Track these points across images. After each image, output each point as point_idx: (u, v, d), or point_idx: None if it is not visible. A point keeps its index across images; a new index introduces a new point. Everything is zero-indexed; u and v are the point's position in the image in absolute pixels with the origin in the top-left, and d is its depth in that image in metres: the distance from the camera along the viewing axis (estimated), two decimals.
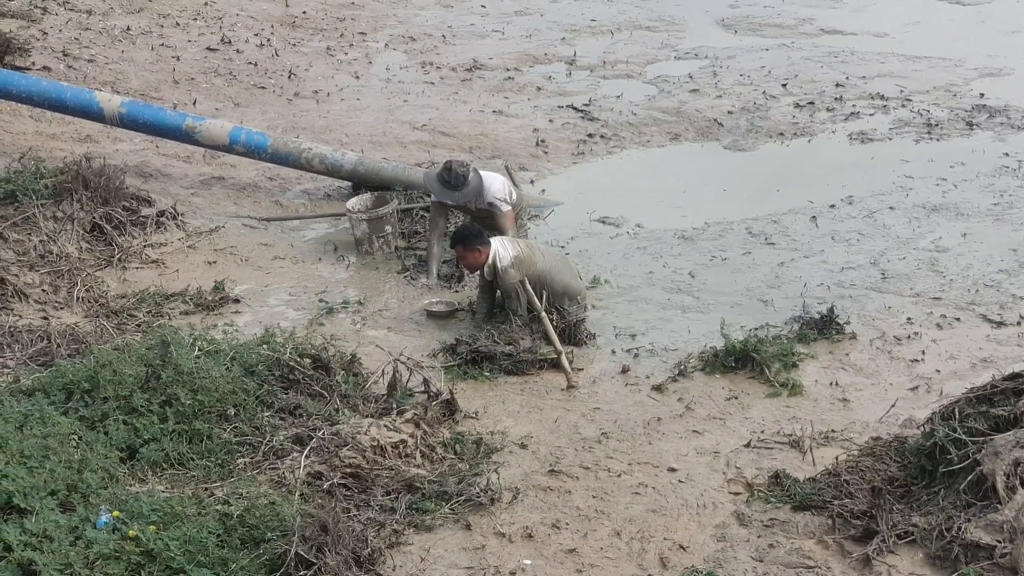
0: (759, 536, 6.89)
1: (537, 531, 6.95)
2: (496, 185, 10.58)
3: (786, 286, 10.41)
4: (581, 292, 9.96)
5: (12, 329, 9.08)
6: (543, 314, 9.31)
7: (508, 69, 16.86)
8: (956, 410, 7.12)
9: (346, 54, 17.50)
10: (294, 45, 17.70)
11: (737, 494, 7.36)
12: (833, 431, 8.02)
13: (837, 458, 7.49)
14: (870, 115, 14.87)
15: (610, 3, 20.49)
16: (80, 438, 7.18)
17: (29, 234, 10.53)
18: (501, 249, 9.63)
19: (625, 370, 9.08)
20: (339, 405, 7.94)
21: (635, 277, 10.70)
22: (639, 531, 6.98)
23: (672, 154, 14.00)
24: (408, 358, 8.69)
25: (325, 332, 9.26)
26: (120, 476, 7.03)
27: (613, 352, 9.43)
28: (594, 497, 7.33)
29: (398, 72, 16.75)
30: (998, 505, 6.52)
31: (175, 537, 6.25)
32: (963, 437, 6.88)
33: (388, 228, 11.22)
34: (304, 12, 19.30)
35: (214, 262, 10.97)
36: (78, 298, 9.88)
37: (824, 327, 9.42)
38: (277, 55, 17.07)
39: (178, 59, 16.39)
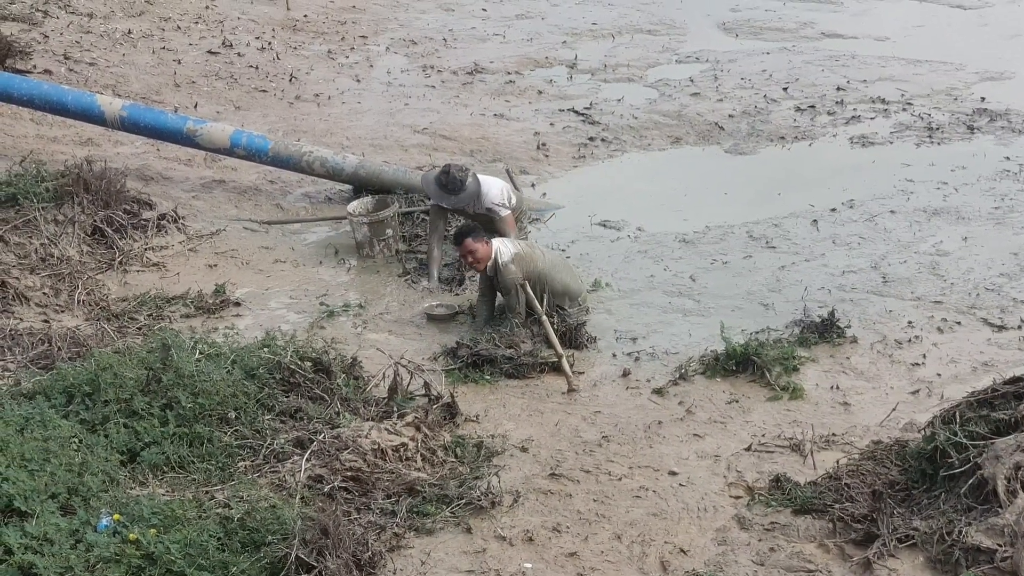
0: (760, 540, 6.89)
1: (538, 534, 6.95)
2: (494, 191, 10.57)
3: (787, 290, 10.41)
4: (582, 294, 9.96)
5: (13, 332, 9.10)
6: (544, 317, 9.31)
7: (509, 73, 16.87)
8: (957, 414, 7.12)
9: (347, 57, 17.52)
10: (295, 48, 17.71)
11: (738, 498, 7.35)
12: (834, 435, 8.01)
13: (838, 462, 7.48)
14: (871, 119, 14.86)
15: (611, 7, 20.50)
16: (81, 441, 7.18)
17: (30, 237, 10.54)
18: (502, 247, 9.67)
19: (626, 373, 9.08)
20: (340, 408, 7.95)
21: (636, 280, 10.70)
22: (640, 535, 6.97)
23: (673, 158, 14.00)
24: (409, 361, 8.70)
25: (326, 335, 9.26)
26: (121, 479, 7.03)
27: (614, 355, 9.43)
28: (595, 500, 7.32)
29: (399, 75, 16.76)
30: (999, 509, 6.51)
31: (176, 540, 6.25)
32: (964, 441, 6.88)
33: (389, 231, 11.23)
34: (305, 15, 19.32)
35: (215, 265, 10.97)
36: (79, 301, 9.89)
37: (825, 331, 9.41)
38: (278, 58, 17.08)
39: (179, 62, 16.40)
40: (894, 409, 8.28)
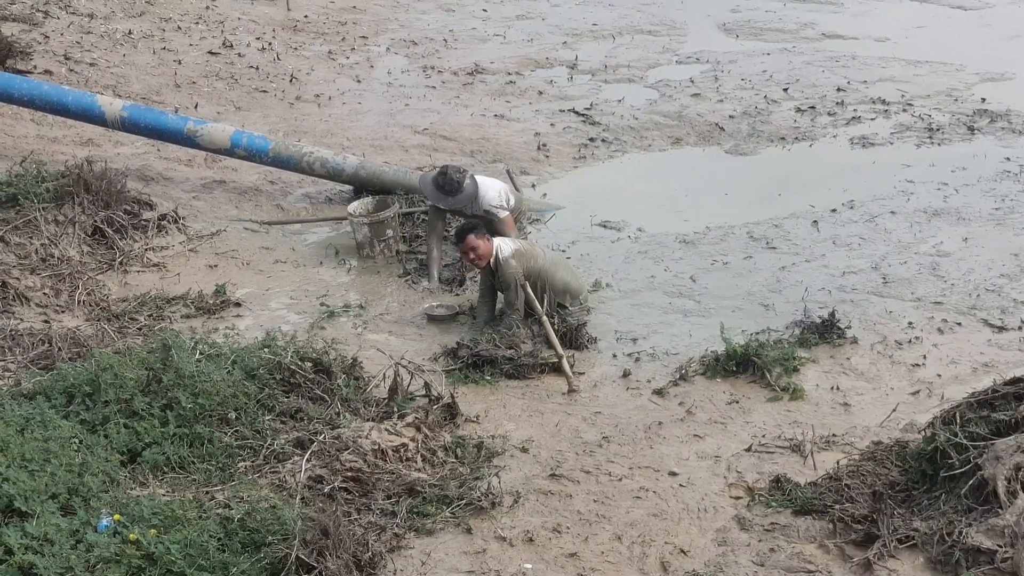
0: (760, 540, 6.89)
1: (538, 535, 6.95)
2: (491, 193, 10.56)
3: (787, 290, 10.41)
4: (582, 292, 9.98)
5: (13, 332, 9.10)
6: (544, 318, 9.31)
7: (509, 73, 16.87)
8: (957, 414, 7.12)
9: (348, 58, 17.52)
10: (296, 49, 17.71)
11: (738, 498, 7.35)
12: (834, 435, 8.01)
13: (838, 462, 7.48)
14: (871, 119, 14.86)
15: (612, 7, 20.50)
16: (81, 442, 7.18)
17: (30, 237, 10.54)
18: (503, 244, 9.73)
19: (626, 374, 9.09)
20: (340, 409, 7.95)
21: (636, 281, 10.70)
22: (640, 535, 6.97)
23: (673, 158, 14.00)
24: (409, 362, 8.70)
25: (326, 336, 9.26)
26: (121, 480, 7.03)
27: (614, 356, 9.43)
28: (595, 501, 7.32)
29: (399, 76, 16.77)
30: (999, 510, 6.51)
31: (176, 541, 6.25)
32: (964, 442, 6.88)
33: (389, 232, 11.23)
34: (306, 16, 19.32)
35: (215, 266, 10.98)
36: (79, 302, 9.90)
37: (825, 331, 9.41)
38: (279, 59, 17.08)
39: (180, 63, 16.40)
40: (894, 410, 8.28)
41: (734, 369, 8.95)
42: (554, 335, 9.21)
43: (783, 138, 14.33)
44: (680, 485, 7.51)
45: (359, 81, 16.50)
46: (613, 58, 17.64)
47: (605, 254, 11.27)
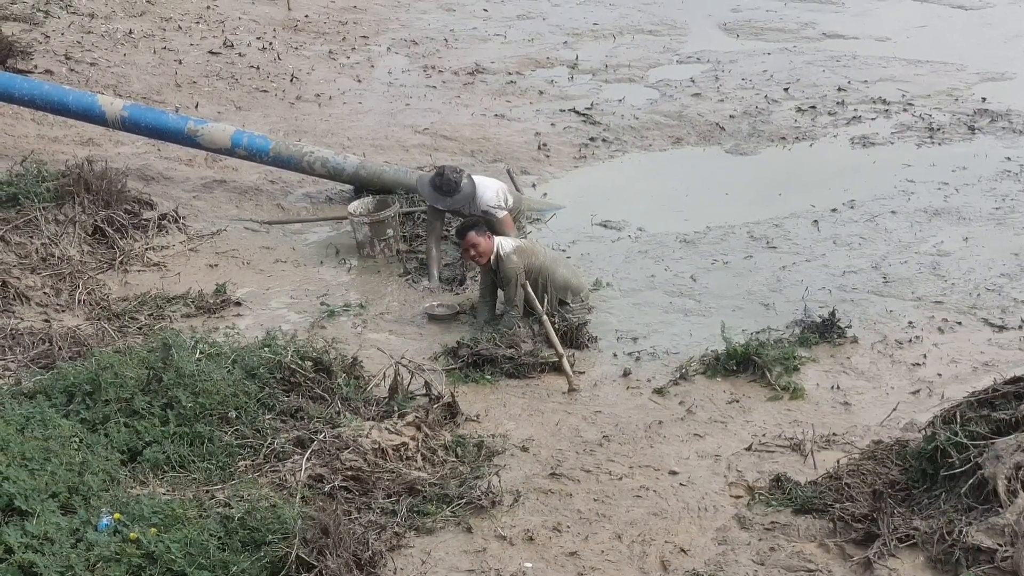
0: (760, 539, 6.89)
1: (538, 534, 6.95)
2: (489, 193, 10.55)
3: (787, 290, 10.41)
4: (583, 289, 9.99)
5: (14, 332, 9.11)
6: (544, 317, 9.32)
7: (510, 73, 16.87)
8: (957, 414, 7.12)
9: (348, 58, 17.52)
10: (296, 49, 17.71)
11: (738, 497, 7.35)
12: (834, 434, 8.01)
13: (838, 461, 7.48)
14: (872, 119, 14.86)
15: (612, 7, 20.50)
16: (81, 440, 7.18)
17: (31, 237, 10.54)
18: (504, 240, 9.78)
19: (626, 373, 9.09)
20: (340, 408, 7.96)
21: (637, 280, 10.70)
22: (640, 534, 6.97)
23: (674, 158, 14.00)
24: (409, 361, 8.71)
25: (326, 335, 9.26)
26: (121, 479, 7.03)
27: (615, 355, 9.43)
28: (595, 500, 7.32)
29: (400, 76, 16.77)
30: (999, 509, 6.51)
31: (176, 539, 6.25)
32: (964, 441, 6.88)
33: (390, 231, 11.23)
34: (306, 16, 19.32)
35: (216, 265, 10.98)
36: (80, 301, 9.90)
37: (825, 331, 9.41)
38: (279, 59, 17.08)
39: (180, 62, 16.40)
40: (895, 409, 8.28)
41: (734, 368, 8.95)
42: (554, 334, 9.21)
43: (784, 138, 14.33)
44: (680, 484, 7.51)
45: (360, 81, 16.50)
46: (614, 58, 17.64)
47: (605, 254, 11.27)
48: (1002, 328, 9.59)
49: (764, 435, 8.08)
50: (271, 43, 17.70)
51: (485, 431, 8.11)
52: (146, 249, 11.01)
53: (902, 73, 16.63)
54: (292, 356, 8.24)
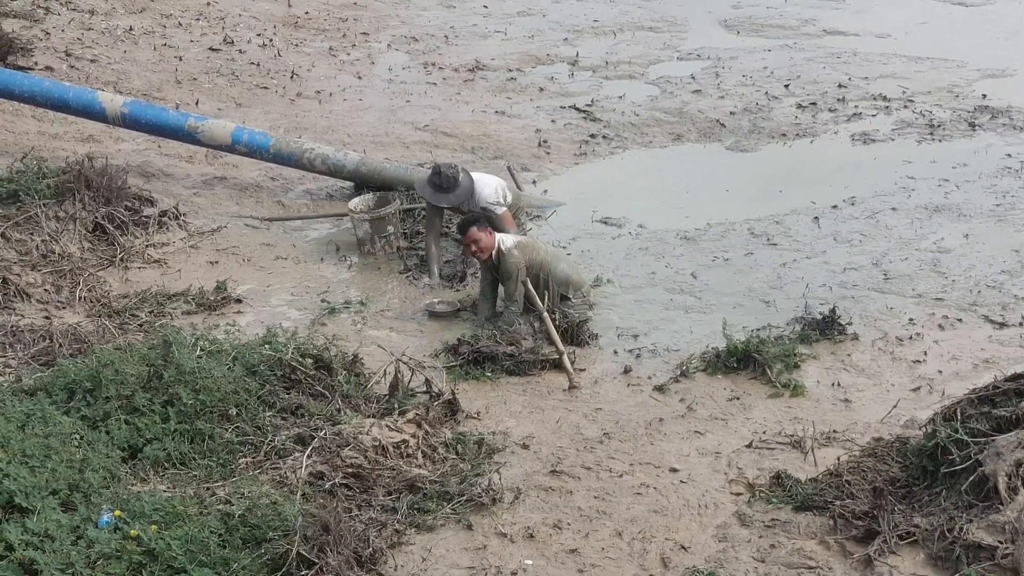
0: (760, 536, 6.89)
1: (539, 531, 6.95)
2: (487, 189, 10.55)
3: (788, 287, 10.41)
4: (584, 285, 9.99)
5: (14, 329, 9.10)
6: (545, 314, 9.32)
7: (510, 70, 16.86)
8: (958, 411, 7.12)
9: (348, 54, 17.51)
10: (296, 45, 17.70)
11: (739, 494, 7.35)
12: (835, 432, 8.01)
13: (839, 459, 7.48)
14: (872, 116, 14.86)
15: (612, 4, 20.49)
16: (82, 437, 7.18)
17: (31, 234, 10.54)
18: (505, 236, 9.80)
19: (627, 370, 9.09)
20: (341, 405, 7.96)
21: (637, 277, 10.70)
22: (640, 531, 6.97)
23: (674, 155, 14.00)
24: (410, 358, 8.69)
25: (327, 332, 9.26)
26: (122, 476, 7.03)
27: (615, 352, 9.43)
28: (596, 497, 7.32)
29: (400, 73, 16.76)
30: (1000, 506, 6.51)
31: (177, 536, 6.25)
32: (965, 438, 6.88)
33: (390, 228, 11.23)
34: (307, 12, 19.31)
35: (216, 262, 10.98)
36: (80, 298, 9.90)
37: (826, 328, 9.41)
38: (279, 55, 17.07)
39: (180, 59, 16.39)
40: (895, 406, 8.28)
41: (735, 365, 8.95)
42: (555, 331, 9.21)
43: (784, 134, 14.32)
44: (681, 481, 7.52)
45: (360, 78, 16.49)
46: (614, 54, 17.63)
47: (606, 250, 11.27)
48: (1003, 325, 9.59)
49: (765, 432, 8.08)
50: (271, 40, 17.70)
51: (486, 428, 8.11)
52: (147, 246, 11.00)
53: (903, 70, 16.63)
54: (293, 353, 8.24)
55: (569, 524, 7.04)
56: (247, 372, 8.01)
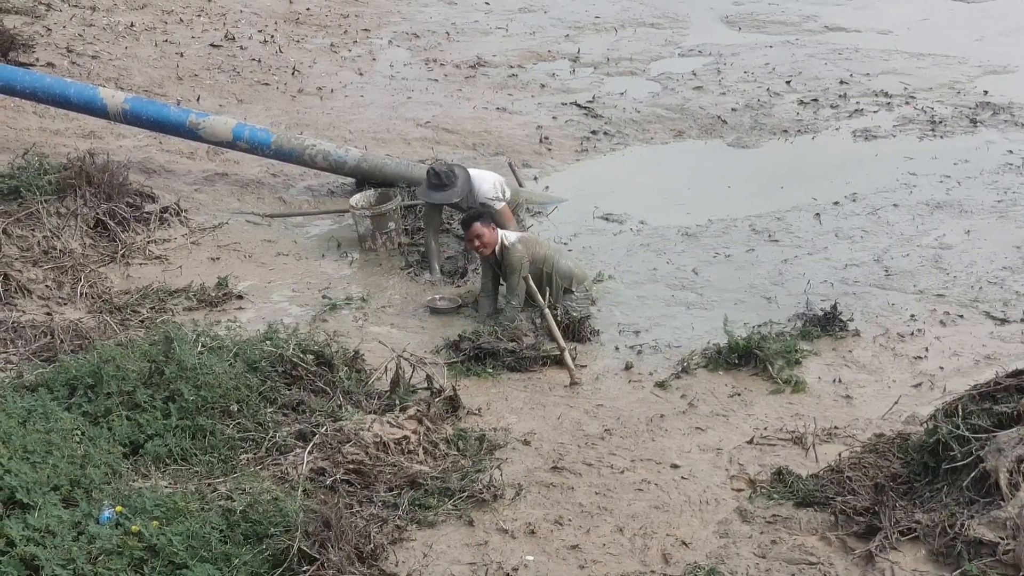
0: (762, 532, 6.89)
1: (540, 527, 6.95)
2: (485, 185, 10.57)
3: (789, 283, 10.41)
4: (586, 279, 10.03)
5: (16, 325, 9.11)
6: (546, 310, 9.32)
7: (512, 66, 16.86)
8: (959, 407, 7.11)
9: (350, 51, 17.51)
10: (298, 42, 17.70)
11: (740, 490, 7.35)
12: (836, 428, 8.01)
13: (840, 455, 7.48)
14: (874, 112, 14.85)
15: (614, 0, 20.47)
16: (83, 433, 7.18)
17: (33, 230, 10.55)
18: (507, 232, 9.86)
19: (628, 367, 9.08)
20: (342, 401, 7.96)
21: (639, 274, 10.70)
22: (642, 527, 6.97)
23: (676, 151, 14.00)
24: (411, 354, 8.69)
25: (328, 328, 9.27)
26: (123, 471, 7.03)
27: (616, 349, 9.43)
28: (597, 493, 7.32)
29: (402, 69, 16.76)
30: (1001, 502, 6.51)
31: (178, 532, 6.25)
32: (966, 434, 6.87)
33: (391, 224, 11.23)
34: (308, 9, 19.31)
35: (217, 258, 10.98)
36: (81, 294, 9.90)
37: (827, 324, 9.41)
38: (281, 52, 17.08)
39: (182, 55, 16.39)
40: (896, 402, 8.28)
41: (736, 362, 8.95)
42: (556, 328, 9.21)
43: (785, 131, 14.32)
44: (682, 477, 7.51)
45: (361, 74, 16.49)
46: (615, 51, 17.63)
47: (607, 247, 11.27)
48: (1004, 321, 9.59)
49: (766, 428, 8.07)
50: (272, 36, 17.69)
51: (487, 424, 8.11)
52: (148, 242, 11.01)
53: (904, 66, 16.62)
54: (294, 349, 8.24)
55: (570, 520, 7.04)
56: (248, 368, 8.01)
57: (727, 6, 20.08)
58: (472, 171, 10.68)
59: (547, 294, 9.50)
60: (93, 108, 12.47)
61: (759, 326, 9.48)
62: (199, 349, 8.06)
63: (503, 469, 7.46)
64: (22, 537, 6.07)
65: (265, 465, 7.31)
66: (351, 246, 11.31)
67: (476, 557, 6.70)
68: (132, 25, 17.29)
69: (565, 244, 11.07)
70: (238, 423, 7.58)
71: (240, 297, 10.19)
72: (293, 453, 7.39)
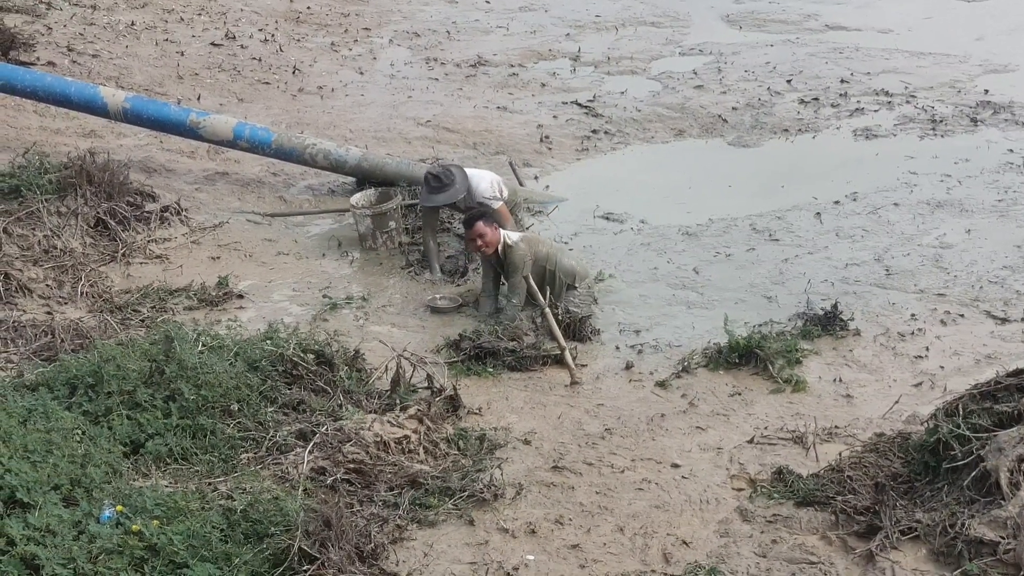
0: (762, 532, 6.88)
1: (540, 527, 6.95)
2: (483, 185, 10.58)
3: (790, 282, 10.41)
4: (588, 276, 10.07)
5: (16, 324, 9.10)
6: (547, 309, 9.32)
7: (512, 65, 16.86)
8: (960, 406, 7.11)
9: (350, 50, 17.51)
10: (298, 41, 17.70)
11: (740, 490, 7.35)
12: (836, 427, 8.01)
13: (840, 454, 7.47)
14: (875, 111, 14.85)
15: None
16: (84, 433, 7.18)
17: (33, 229, 10.54)
18: (509, 232, 9.88)
19: (629, 366, 9.08)
20: (342, 401, 7.95)
21: (639, 273, 10.70)
22: (642, 527, 6.97)
23: (676, 150, 14.00)
24: (412, 354, 8.69)
25: (329, 328, 9.26)
26: (124, 471, 7.03)
27: (617, 348, 9.43)
28: (597, 493, 7.32)
29: (402, 68, 16.76)
30: (1002, 501, 6.51)
31: (178, 532, 6.25)
32: (967, 433, 6.87)
33: (392, 224, 11.23)
34: (308, 8, 19.31)
35: (218, 258, 10.98)
36: (82, 293, 9.90)
37: (828, 323, 9.41)
38: (281, 51, 17.08)
39: (182, 54, 16.39)
40: (897, 401, 8.27)
41: (737, 361, 8.94)
42: (557, 327, 9.21)
43: (786, 130, 14.32)
44: (682, 477, 7.51)
45: (362, 73, 16.49)
46: (616, 50, 17.63)
47: (608, 246, 11.27)
48: (1004, 320, 9.58)
49: (766, 428, 8.07)
50: (273, 35, 17.70)
51: (487, 424, 8.11)
52: (148, 241, 11.00)
53: (905, 65, 16.62)
54: (294, 349, 8.23)
55: (571, 519, 7.04)
56: (249, 368, 8.01)
57: (728, 5, 20.09)
58: (469, 170, 10.68)
59: (547, 293, 9.51)
60: (94, 107, 12.47)
61: (760, 325, 9.48)
62: (199, 348, 8.06)
63: (504, 468, 7.45)
64: (22, 536, 6.06)
65: (266, 464, 7.31)
66: (352, 245, 11.31)
67: (477, 556, 6.70)
68: (133, 24, 17.30)
69: (566, 243, 11.07)
70: (239, 422, 7.57)
71: (241, 296, 10.18)
72: (294, 452, 7.38)
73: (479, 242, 9.71)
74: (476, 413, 8.28)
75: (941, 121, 14.38)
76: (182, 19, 17.98)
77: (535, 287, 9.48)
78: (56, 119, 13.59)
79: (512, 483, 7.31)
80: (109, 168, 11.25)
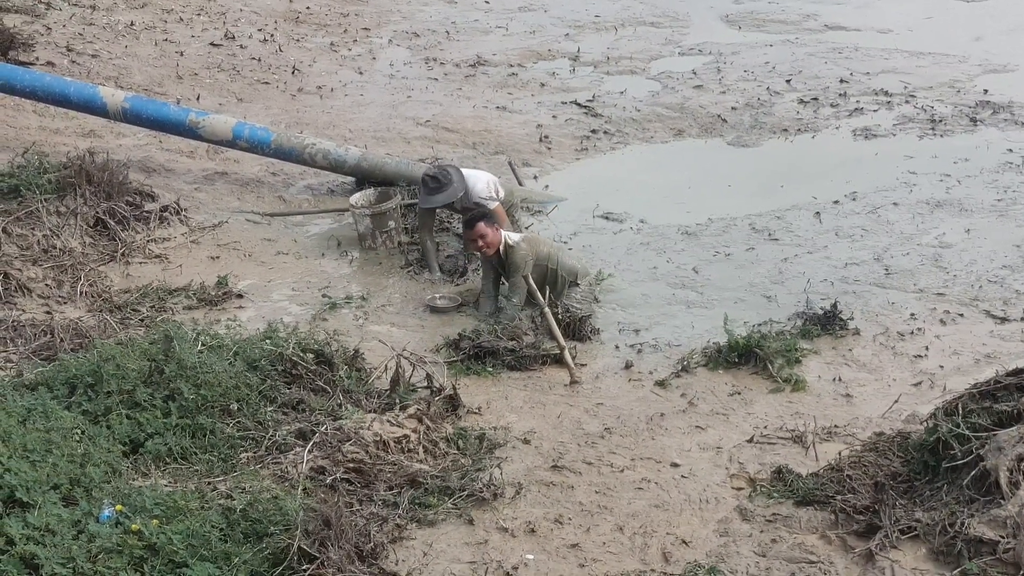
0: (762, 531, 6.88)
1: (540, 526, 6.95)
2: (479, 185, 10.57)
3: (789, 282, 10.41)
4: (589, 274, 10.12)
5: (15, 323, 9.10)
6: (547, 309, 9.32)
7: (512, 65, 16.86)
8: (959, 405, 7.11)
9: (350, 50, 17.50)
10: (298, 41, 17.70)
11: (740, 489, 7.35)
12: (836, 426, 8.01)
13: (840, 453, 7.47)
14: (874, 111, 14.85)
15: None
16: (83, 432, 7.18)
17: (33, 229, 10.54)
18: (510, 232, 9.87)
19: (628, 366, 9.08)
20: (342, 400, 7.95)
21: (639, 273, 10.70)
22: (641, 526, 6.97)
23: (676, 150, 13.99)
24: (411, 353, 8.69)
25: (328, 327, 9.26)
26: (123, 470, 7.03)
27: (616, 348, 9.43)
28: (597, 492, 7.32)
29: (402, 68, 16.76)
30: (1001, 500, 6.51)
31: (178, 531, 6.25)
32: (966, 432, 6.87)
33: (391, 223, 11.23)
34: (308, 8, 19.30)
35: (217, 257, 10.97)
36: (81, 293, 9.90)
37: (827, 323, 9.41)
38: (281, 50, 17.07)
39: (182, 54, 16.39)
40: (896, 401, 8.28)
41: (736, 360, 8.94)
42: (556, 326, 9.21)
43: (786, 130, 14.32)
44: (682, 476, 7.51)
45: (361, 73, 16.49)
46: (615, 50, 17.63)
47: (607, 246, 11.27)
48: (1004, 320, 9.59)
49: (766, 427, 8.07)
50: (272, 35, 17.69)
51: (487, 423, 8.11)
52: (148, 241, 11.00)
53: (904, 65, 16.62)
54: (294, 348, 8.23)
55: (570, 519, 7.04)
56: (248, 367, 8.01)
57: (727, 5, 20.09)
58: (465, 171, 10.68)
59: (547, 292, 9.51)
60: (93, 107, 12.47)
61: (759, 325, 9.48)
62: (199, 348, 8.06)
63: (503, 468, 7.46)
64: (22, 536, 6.06)
65: (265, 464, 7.31)
66: (351, 245, 11.31)
67: (476, 556, 6.70)
68: (132, 24, 17.29)
69: (565, 243, 11.07)
70: (238, 422, 7.57)
71: (240, 296, 10.18)
72: (293, 452, 7.38)
73: (480, 243, 9.71)
74: (475, 412, 8.28)
75: (940, 121, 14.38)
76: (181, 19, 17.99)
77: (535, 287, 9.48)
78: (55, 119, 13.58)
79: (511, 482, 7.31)
80: (108, 168, 11.25)
